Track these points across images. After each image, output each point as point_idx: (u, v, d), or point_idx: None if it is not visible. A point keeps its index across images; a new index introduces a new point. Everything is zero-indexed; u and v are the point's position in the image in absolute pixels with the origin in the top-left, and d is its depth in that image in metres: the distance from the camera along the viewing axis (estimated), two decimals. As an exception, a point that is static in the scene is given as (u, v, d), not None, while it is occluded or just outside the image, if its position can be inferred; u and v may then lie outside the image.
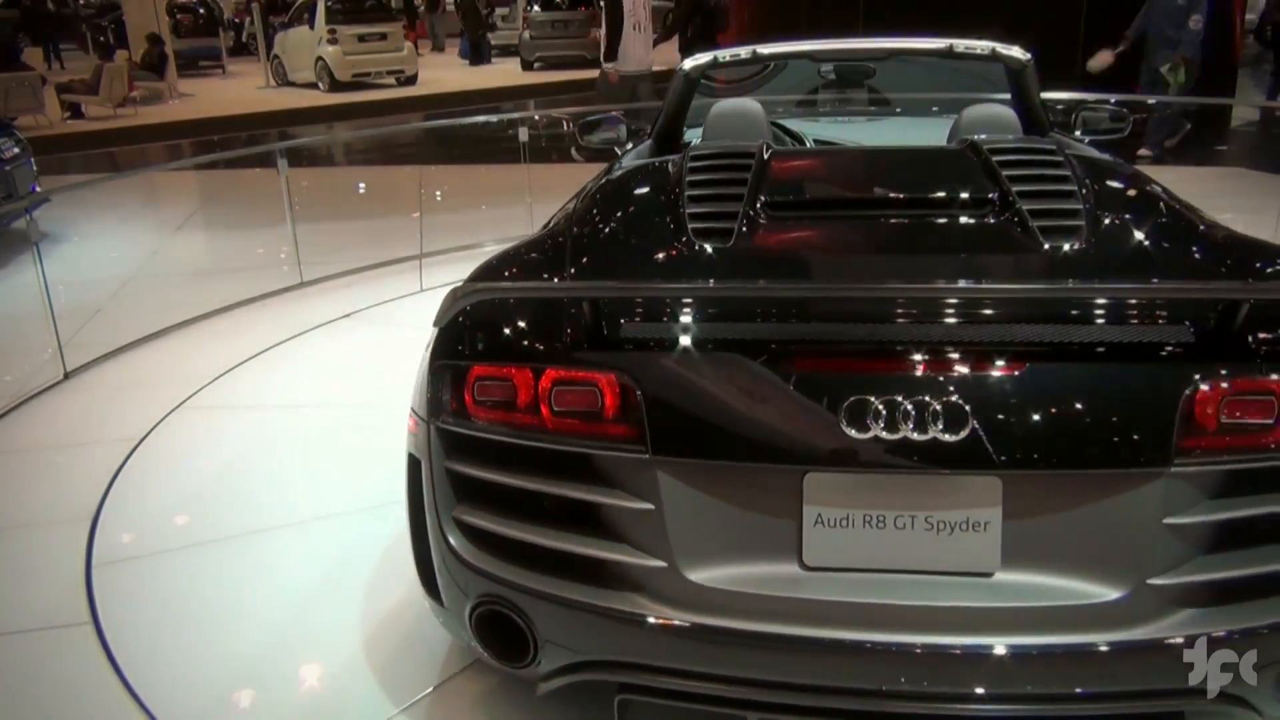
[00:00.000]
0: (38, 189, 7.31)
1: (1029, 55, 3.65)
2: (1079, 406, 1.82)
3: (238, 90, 17.96)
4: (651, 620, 1.90)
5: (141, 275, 6.77)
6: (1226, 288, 1.89)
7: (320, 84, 17.28)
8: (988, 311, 1.94)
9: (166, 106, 15.59)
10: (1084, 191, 2.39)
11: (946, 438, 1.79)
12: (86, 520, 3.40)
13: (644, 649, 1.96)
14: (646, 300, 2.05)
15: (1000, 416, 1.81)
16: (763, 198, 2.45)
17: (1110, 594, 1.83)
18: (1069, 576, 1.85)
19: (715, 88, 4.48)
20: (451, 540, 2.07)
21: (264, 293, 5.90)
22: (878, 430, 1.80)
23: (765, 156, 2.70)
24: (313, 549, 3.15)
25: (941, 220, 2.43)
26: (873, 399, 1.81)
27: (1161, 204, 2.58)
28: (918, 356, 1.85)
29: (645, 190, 2.78)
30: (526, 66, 20.33)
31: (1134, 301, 1.96)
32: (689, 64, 3.70)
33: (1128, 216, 2.48)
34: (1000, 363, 1.84)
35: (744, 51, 3.85)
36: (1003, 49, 3.61)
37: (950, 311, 1.94)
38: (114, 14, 19.81)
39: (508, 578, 2.00)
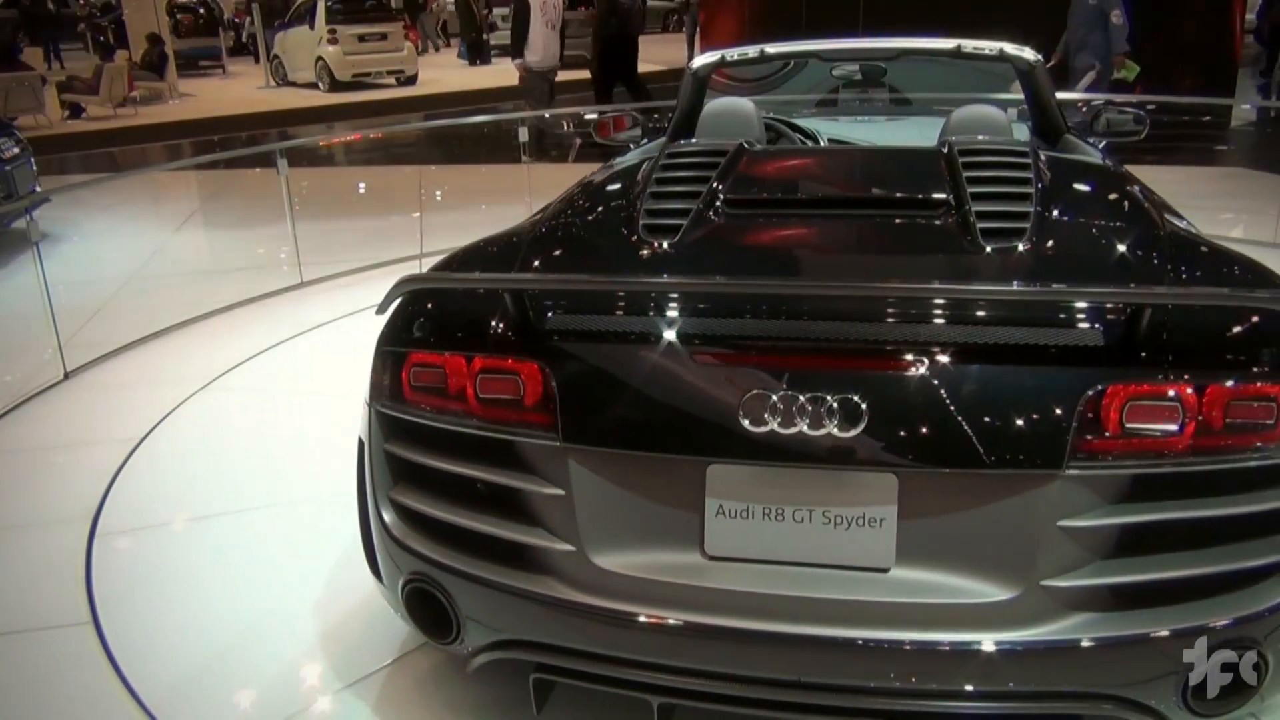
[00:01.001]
0: (38, 189, 7.32)
1: (1038, 56, 3.64)
2: (976, 407, 1.83)
3: (238, 90, 17.95)
4: (561, 603, 1.97)
5: (141, 275, 6.77)
6: (1132, 293, 1.86)
7: (320, 84, 17.28)
8: (890, 310, 1.96)
9: (166, 106, 15.59)
10: (1044, 194, 2.41)
11: (841, 434, 1.82)
12: (86, 520, 3.40)
13: (555, 631, 2.03)
14: (566, 293, 2.14)
15: (896, 415, 1.84)
16: (722, 195, 2.51)
17: (1002, 594, 1.83)
18: (962, 575, 1.86)
19: (735, 86, 4.51)
20: (387, 519, 2.18)
21: (264, 293, 5.91)
22: (774, 425, 1.83)
23: (737, 155, 2.77)
24: (315, 549, 3.15)
25: (887, 220, 2.47)
26: (771, 394, 1.84)
27: (1129, 209, 2.58)
28: (817, 353, 1.91)
29: (616, 187, 2.83)
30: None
31: (1038, 304, 1.95)
32: (697, 62, 3.78)
33: (1084, 220, 2.49)
34: (899, 361, 1.87)
35: (752, 50, 3.89)
36: (1011, 49, 3.60)
37: (852, 309, 1.96)
38: (114, 14, 19.81)
39: (433, 557, 2.09)
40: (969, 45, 3.64)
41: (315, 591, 2.93)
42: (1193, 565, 1.83)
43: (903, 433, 1.84)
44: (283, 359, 4.94)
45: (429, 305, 2.22)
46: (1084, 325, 1.91)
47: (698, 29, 17.40)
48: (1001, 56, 3.57)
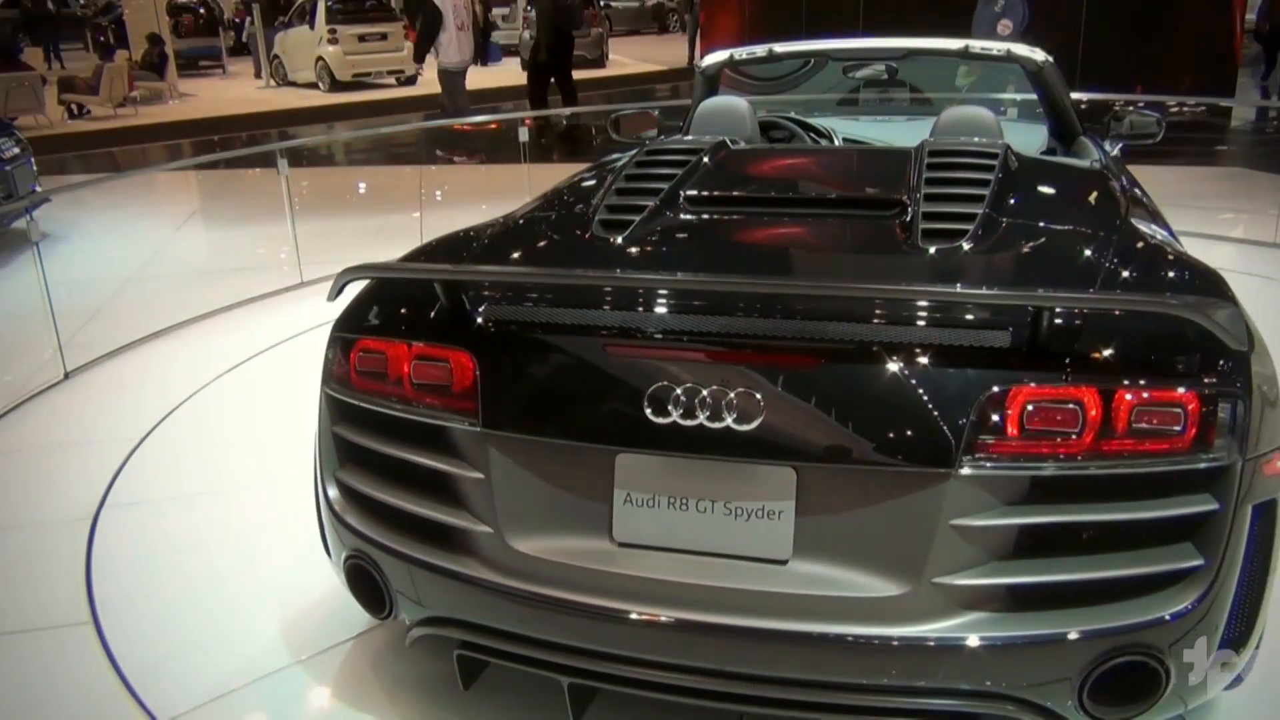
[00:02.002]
0: (38, 189, 7.32)
1: (1048, 57, 3.61)
2: (872, 405, 1.85)
3: (238, 90, 17.95)
4: (480, 583, 2.05)
5: (141, 275, 6.78)
6: (1033, 296, 1.84)
7: (320, 84, 17.27)
8: (792, 307, 1.98)
9: (167, 106, 15.59)
10: (998, 196, 2.44)
11: (739, 428, 1.86)
12: (86, 520, 3.40)
13: (475, 609, 2.11)
14: (494, 285, 2.20)
15: (795, 410, 1.87)
16: (684, 192, 2.59)
17: (893, 590, 1.85)
18: (856, 569, 1.88)
19: (755, 85, 4.53)
20: (332, 498, 2.29)
21: (264, 292, 5.91)
22: (676, 417, 1.88)
23: (712, 152, 2.86)
24: (319, 550, 3.15)
25: (836, 220, 2.54)
26: (675, 387, 1.89)
27: (1088, 213, 2.59)
28: (720, 348, 1.94)
29: (592, 184, 2.87)
30: (526, 66, 20.31)
31: (940, 305, 1.96)
32: (705, 61, 3.82)
33: (1033, 223, 2.49)
34: (799, 357, 1.90)
35: (761, 50, 3.94)
36: (1019, 50, 3.59)
37: (757, 306, 2.00)
38: (114, 14, 19.81)
39: (369, 535, 2.19)
40: (976, 46, 3.63)
41: (319, 592, 2.92)
42: (1091, 570, 1.83)
43: (800, 428, 1.88)
44: (283, 358, 4.94)
45: (378, 294, 2.32)
46: (987, 327, 1.91)
47: (699, 29, 17.42)
48: (1009, 57, 3.57)
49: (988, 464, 1.81)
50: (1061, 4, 10.99)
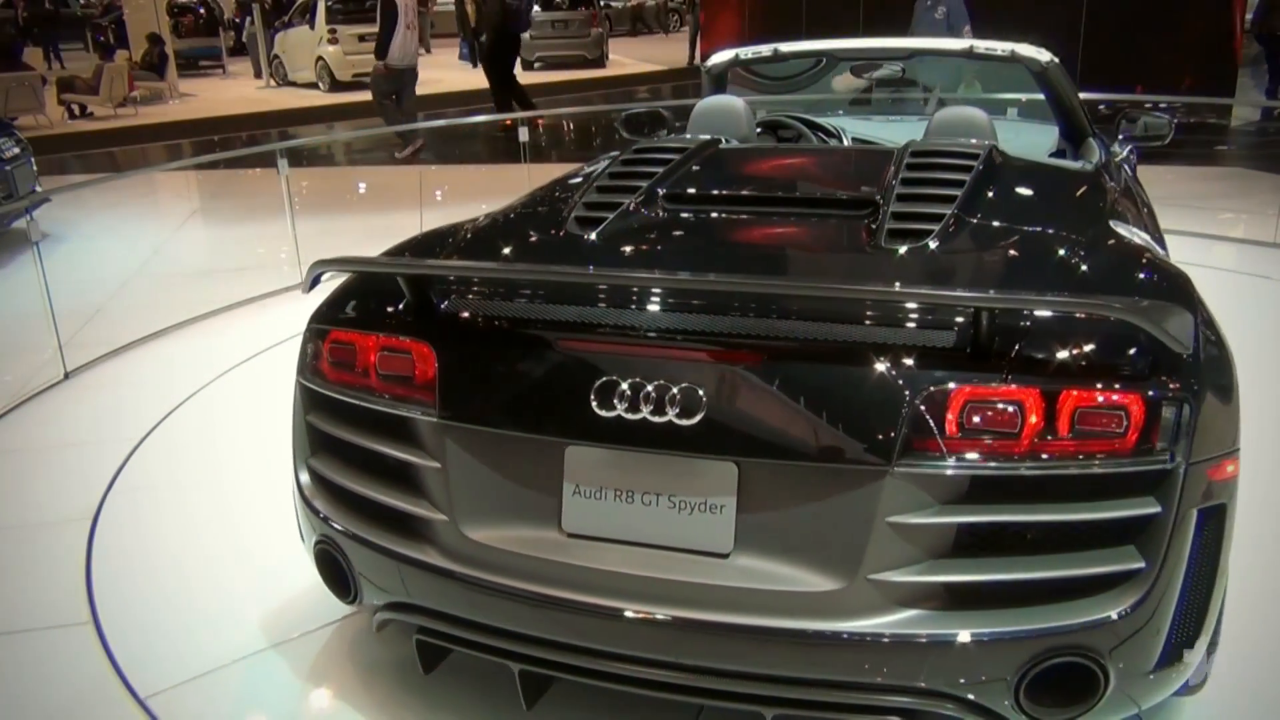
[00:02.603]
0: (38, 189, 7.32)
1: (1053, 58, 3.61)
2: (812, 402, 1.86)
3: (238, 90, 17.95)
4: (436, 570, 2.10)
5: (142, 275, 6.78)
6: (974, 297, 1.83)
7: (320, 84, 17.27)
8: (739, 305, 2.00)
9: (167, 106, 15.59)
10: (971, 198, 2.46)
11: (681, 422, 1.89)
12: (86, 520, 3.41)
13: (432, 596, 2.16)
14: (458, 279, 2.24)
15: (737, 406, 1.90)
16: (661, 191, 2.65)
17: (830, 585, 1.87)
18: (795, 564, 1.90)
19: (766, 85, 4.54)
20: (304, 484, 2.38)
21: (265, 292, 5.90)
22: (621, 411, 1.92)
23: (697, 151, 2.92)
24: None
25: (805, 219, 2.55)
26: (621, 381, 1.93)
27: (1062, 215, 2.60)
28: (665, 344, 1.97)
29: (577, 181, 2.90)
30: (527, 66, 20.28)
31: (881, 303, 1.97)
32: (710, 61, 3.85)
33: (1001, 224, 2.49)
34: (741, 354, 1.91)
35: (766, 49, 3.97)
36: (1023, 50, 3.58)
37: (703, 302, 2.02)
38: (114, 14, 19.80)
39: (335, 521, 2.27)
40: (981, 46, 3.63)
41: (322, 593, 2.92)
42: (1030, 570, 1.83)
43: (741, 423, 1.90)
44: (283, 358, 4.93)
45: (352, 288, 2.37)
46: (928, 327, 1.91)
47: (700, 29, 17.41)
48: (1013, 58, 3.56)
49: (925, 463, 1.82)
50: (1061, 4, 10.99)
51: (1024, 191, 2.78)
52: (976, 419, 1.81)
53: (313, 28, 17.26)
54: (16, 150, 7.22)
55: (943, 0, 8.14)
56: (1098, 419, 1.80)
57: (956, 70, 4.35)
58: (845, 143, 3.81)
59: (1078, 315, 1.89)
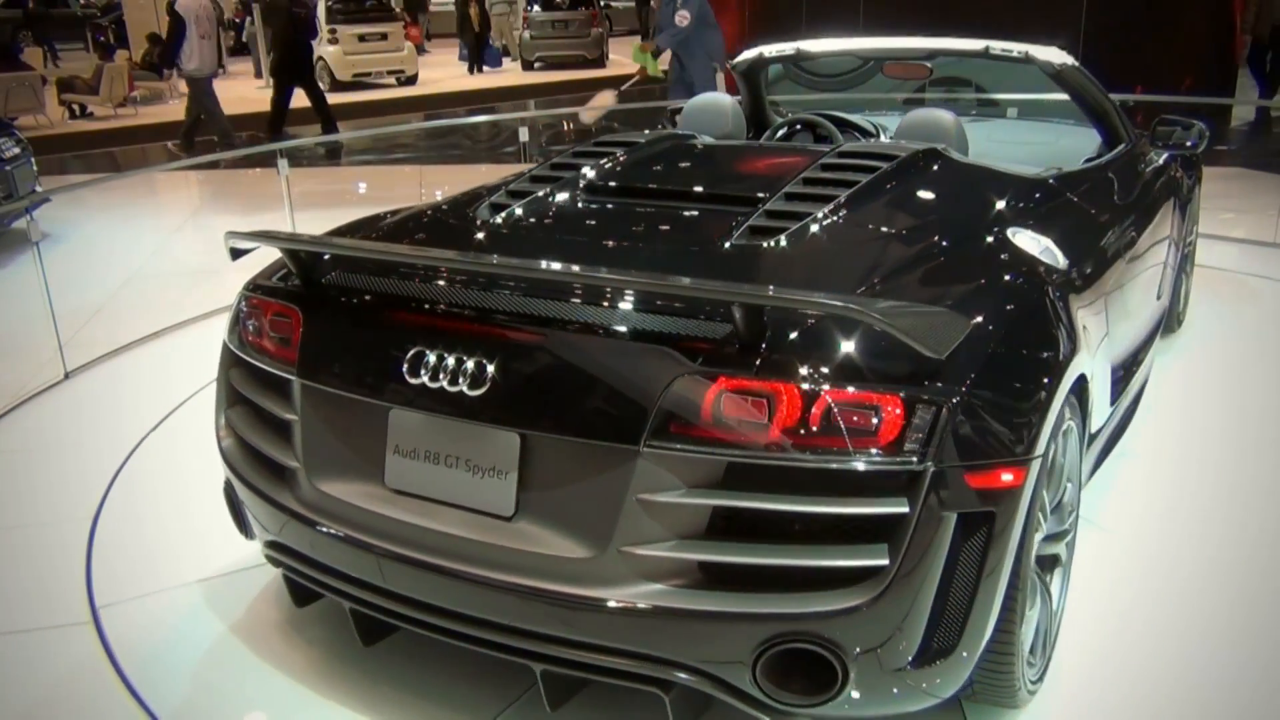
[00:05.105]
0: (38, 189, 7.31)
1: (1066, 60, 3.59)
2: (582, 382, 2.01)
3: (238, 90, 17.92)
4: (291, 513, 2.36)
5: (142, 275, 6.78)
6: (731, 292, 1.89)
7: (320, 84, 17.25)
8: (533, 288, 2.15)
9: (167, 106, 15.57)
10: (855, 200, 2.56)
11: (470, 392, 2.07)
12: (87, 520, 3.41)
13: (291, 537, 2.41)
14: (334, 256, 2.45)
15: (518, 380, 2.07)
16: (582, 182, 2.88)
17: (585, 553, 2.01)
18: (561, 532, 2.05)
19: (816, 83, 4.56)
20: (219, 433, 2.65)
21: (264, 292, 5.89)
22: (425, 379, 2.12)
23: (643, 145, 3.14)
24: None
25: (686, 213, 2.68)
26: (428, 352, 2.13)
27: (961, 224, 2.64)
28: (463, 320, 2.16)
29: (532, 169, 3.11)
30: (527, 66, 20.30)
31: (653, 293, 2.05)
32: (737, 59, 3.99)
33: (873, 228, 2.55)
34: (524, 333, 2.09)
35: (789, 48, 4.10)
36: (1037, 52, 3.58)
37: (501, 284, 2.18)
38: (114, 14, 19.79)
39: (233, 465, 2.54)
40: (996, 47, 3.64)
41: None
42: (772, 556, 1.90)
43: (522, 397, 2.07)
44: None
45: (279, 262, 2.55)
46: (697, 318, 1.99)
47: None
48: (1027, 59, 3.57)
49: (675, 446, 1.91)
50: (1061, 4, 10.99)
51: (923, 195, 2.80)
52: (729, 408, 1.89)
53: (313, 28, 17.24)
54: (16, 150, 7.22)
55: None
56: (849, 417, 1.86)
57: (1017, 71, 4.27)
58: (883, 139, 3.81)
59: (845, 316, 1.91)
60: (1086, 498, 3.28)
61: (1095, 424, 2.83)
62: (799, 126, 3.94)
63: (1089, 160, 3.63)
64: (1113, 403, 3.08)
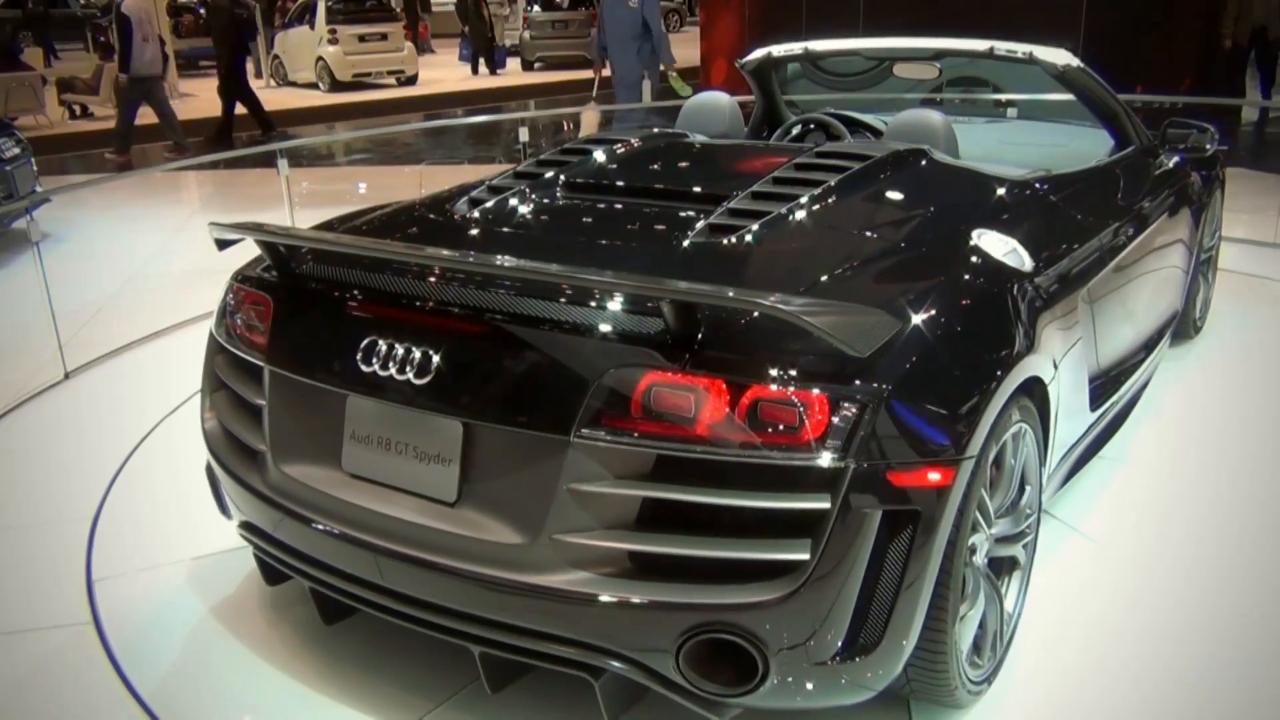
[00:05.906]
0: (38, 189, 7.31)
1: (1070, 61, 3.58)
2: (519, 373, 2.07)
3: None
4: (259, 495, 2.43)
5: (142, 275, 6.78)
6: (660, 288, 1.91)
7: (320, 84, 17.28)
8: (476, 281, 2.20)
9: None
10: (816, 200, 2.59)
11: (417, 381, 2.13)
12: (87, 520, 3.41)
13: (259, 518, 2.50)
14: (308, 248, 2.50)
15: (461, 371, 2.12)
16: (563, 178, 2.95)
17: (518, 539, 2.06)
18: (498, 518, 2.10)
19: (833, 82, 4.57)
20: (204, 419, 2.72)
21: (264, 293, 5.89)
22: (377, 368, 2.18)
23: (631, 143, 3.19)
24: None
25: (653, 210, 2.72)
26: (380, 341, 2.20)
27: (922, 225, 2.65)
28: (413, 311, 2.22)
29: (518, 166, 3.17)
30: (527, 66, 20.30)
31: (587, 288, 2.09)
32: (745, 59, 4.04)
33: (824, 227, 2.57)
34: (467, 325, 2.15)
35: (797, 47, 4.15)
36: (1041, 53, 3.58)
37: (456, 277, 2.24)
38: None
39: (212, 447, 2.63)
40: (1001, 48, 3.64)
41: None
42: (696, 548, 1.93)
43: (464, 386, 2.12)
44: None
45: (259, 251, 2.58)
46: (633, 313, 2.04)
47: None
48: (1031, 60, 3.57)
49: (604, 437, 1.95)
50: (1062, 4, 10.99)
51: (890, 195, 2.81)
52: (658, 402, 1.92)
53: (313, 28, 17.28)
54: (16, 150, 7.22)
55: None
56: (774, 413, 1.88)
57: (1034, 73, 4.26)
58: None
59: (771, 314, 1.92)
60: (1078, 505, 3.27)
61: (1070, 430, 2.82)
62: (811, 126, 3.93)
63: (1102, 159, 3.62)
64: (1094, 409, 3.06)
